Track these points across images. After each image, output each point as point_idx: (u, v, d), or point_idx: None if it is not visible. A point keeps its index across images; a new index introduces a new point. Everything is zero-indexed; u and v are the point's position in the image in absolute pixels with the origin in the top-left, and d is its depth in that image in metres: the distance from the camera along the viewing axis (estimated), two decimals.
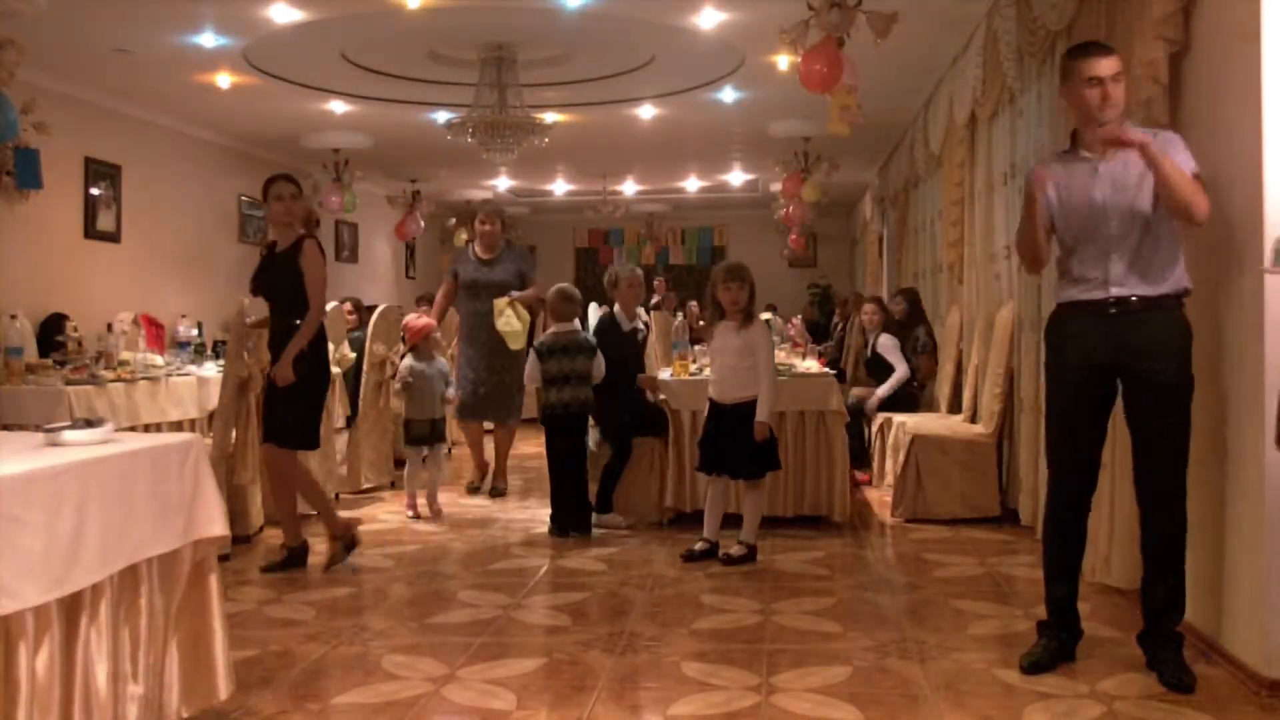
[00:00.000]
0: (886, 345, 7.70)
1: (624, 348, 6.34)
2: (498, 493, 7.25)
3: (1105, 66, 3.46)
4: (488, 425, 7.50)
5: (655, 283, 15.66)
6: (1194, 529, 3.52)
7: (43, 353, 7.26)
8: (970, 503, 6.12)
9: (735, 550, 5.19)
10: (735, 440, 5.18)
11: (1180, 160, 3.38)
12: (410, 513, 6.47)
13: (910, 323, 7.99)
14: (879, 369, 7.77)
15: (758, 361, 5.20)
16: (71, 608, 2.48)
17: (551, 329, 6.17)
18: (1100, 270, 3.48)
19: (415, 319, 6.77)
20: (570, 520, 5.92)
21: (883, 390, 7.60)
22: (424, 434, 6.55)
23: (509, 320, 6.87)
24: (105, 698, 2.55)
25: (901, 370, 7.58)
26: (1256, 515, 3.34)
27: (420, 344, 6.64)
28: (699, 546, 5.27)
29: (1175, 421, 3.44)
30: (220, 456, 5.29)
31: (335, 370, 6.63)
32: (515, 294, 7.01)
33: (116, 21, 6.87)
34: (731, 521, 5.39)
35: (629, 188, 15.69)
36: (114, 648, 2.62)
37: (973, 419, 6.56)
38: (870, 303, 8.49)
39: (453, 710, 3.29)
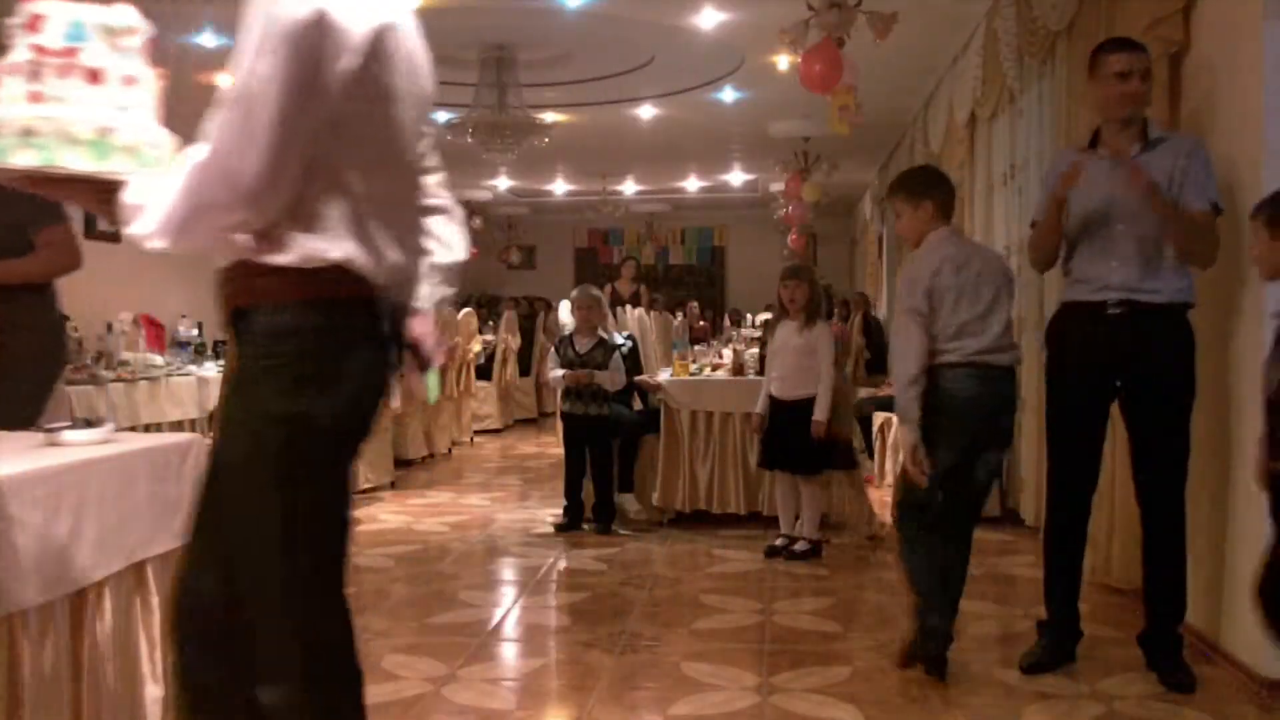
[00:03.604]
0: None
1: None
2: None
3: (1127, 61, 3.41)
4: None
5: (623, 269, 15.34)
6: (1195, 530, 3.51)
7: None
8: None
9: (799, 546, 5.25)
10: (795, 435, 5.25)
11: (1195, 196, 3.32)
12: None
13: None
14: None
15: (819, 362, 5.26)
16: (77, 607, 2.48)
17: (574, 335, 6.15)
18: (1102, 272, 3.42)
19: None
20: (596, 511, 5.98)
21: None
22: None
23: None
24: (119, 699, 2.54)
25: None
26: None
27: None
28: (779, 542, 5.33)
29: (1173, 430, 3.39)
30: None
31: None
32: None
33: None
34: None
35: (629, 188, 15.68)
36: (126, 648, 2.61)
37: None
38: None
39: (453, 710, 3.29)
